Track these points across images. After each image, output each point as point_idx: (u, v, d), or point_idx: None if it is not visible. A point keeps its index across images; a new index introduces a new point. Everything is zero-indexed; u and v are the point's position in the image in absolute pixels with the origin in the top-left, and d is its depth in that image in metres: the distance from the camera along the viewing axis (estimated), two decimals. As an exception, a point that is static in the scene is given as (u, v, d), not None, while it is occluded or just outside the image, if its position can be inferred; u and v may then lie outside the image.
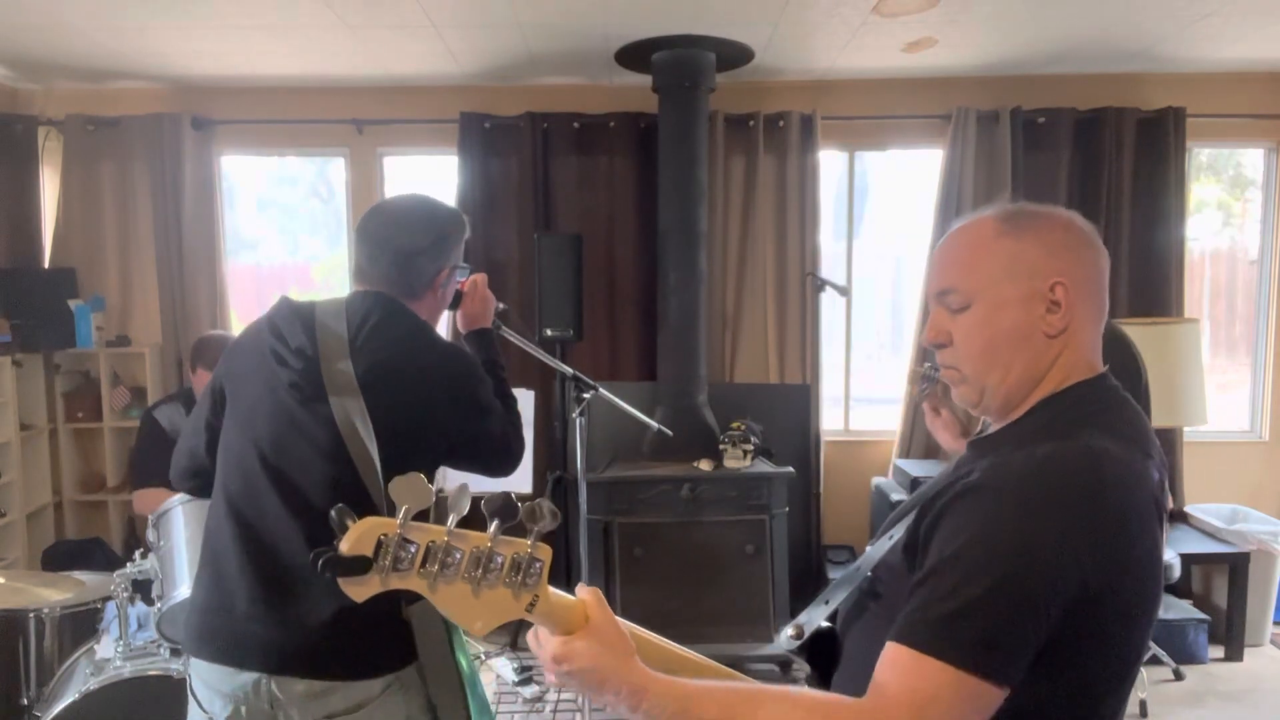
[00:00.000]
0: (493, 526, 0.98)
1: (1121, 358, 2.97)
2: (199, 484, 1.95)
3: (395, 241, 1.88)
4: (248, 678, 1.68)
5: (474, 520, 0.96)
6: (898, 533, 1.14)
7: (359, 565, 0.94)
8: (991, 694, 0.97)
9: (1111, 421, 1.10)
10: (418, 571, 0.96)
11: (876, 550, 1.18)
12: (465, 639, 1.90)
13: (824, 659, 1.21)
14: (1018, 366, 1.13)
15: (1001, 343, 1.13)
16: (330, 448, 1.71)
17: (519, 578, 0.99)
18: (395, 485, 0.95)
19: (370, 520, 0.95)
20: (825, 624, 1.22)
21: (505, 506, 0.98)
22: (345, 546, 0.94)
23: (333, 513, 0.96)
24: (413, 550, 0.96)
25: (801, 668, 1.29)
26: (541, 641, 1.04)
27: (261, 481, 1.74)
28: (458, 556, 0.97)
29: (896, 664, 0.99)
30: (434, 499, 0.97)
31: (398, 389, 1.76)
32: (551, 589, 1.03)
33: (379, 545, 0.95)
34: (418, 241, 1.88)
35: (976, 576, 0.98)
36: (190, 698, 1.79)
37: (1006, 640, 0.97)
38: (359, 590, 0.96)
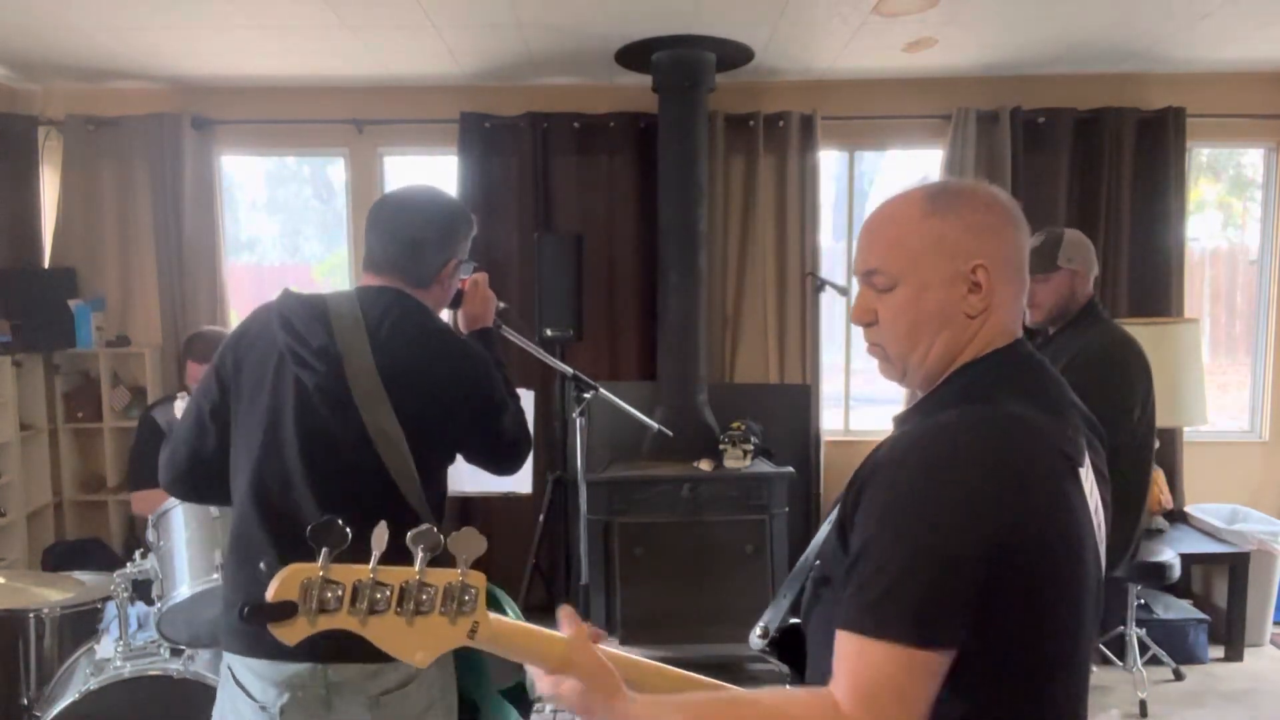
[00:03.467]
0: (418, 560, 1.01)
1: (1132, 363, 2.98)
2: (192, 486, 1.92)
3: (405, 229, 1.88)
4: (301, 666, 1.69)
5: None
6: (834, 517, 1.17)
7: (285, 610, 0.98)
8: (936, 660, 1.00)
9: (1019, 384, 1.14)
10: (347, 610, 0.99)
11: (819, 537, 1.20)
12: (506, 595, 1.95)
13: (796, 654, 1.23)
14: (939, 345, 1.17)
15: (925, 323, 1.16)
16: (362, 450, 1.72)
17: (454, 606, 1.02)
18: (313, 530, 0.98)
19: (293, 566, 0.99)
20: (796, 621, 1.24)
21: (427, 539, 1.00)
22: (270, 594, 0.98)
23: (261, 565, 1.00)
24: (339, 591, 0.99)
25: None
26: (535, 680, 1.10)
27: (299, 482, 1.74)
28: (386, 593, 1.00)
29: (844, 652, 1.03)
30: (349, 538, 1.00)
31: (420, 388, 1.77)
32: (499, 616, 1.06)
33: (303, 589, 0.98)
34: (427, 231, 1.89)
35: (896, 550, 1.01)
36: (235, 690, 1.78)
37: (939, 606, 0.99)
38: (288, 633, 0.99)
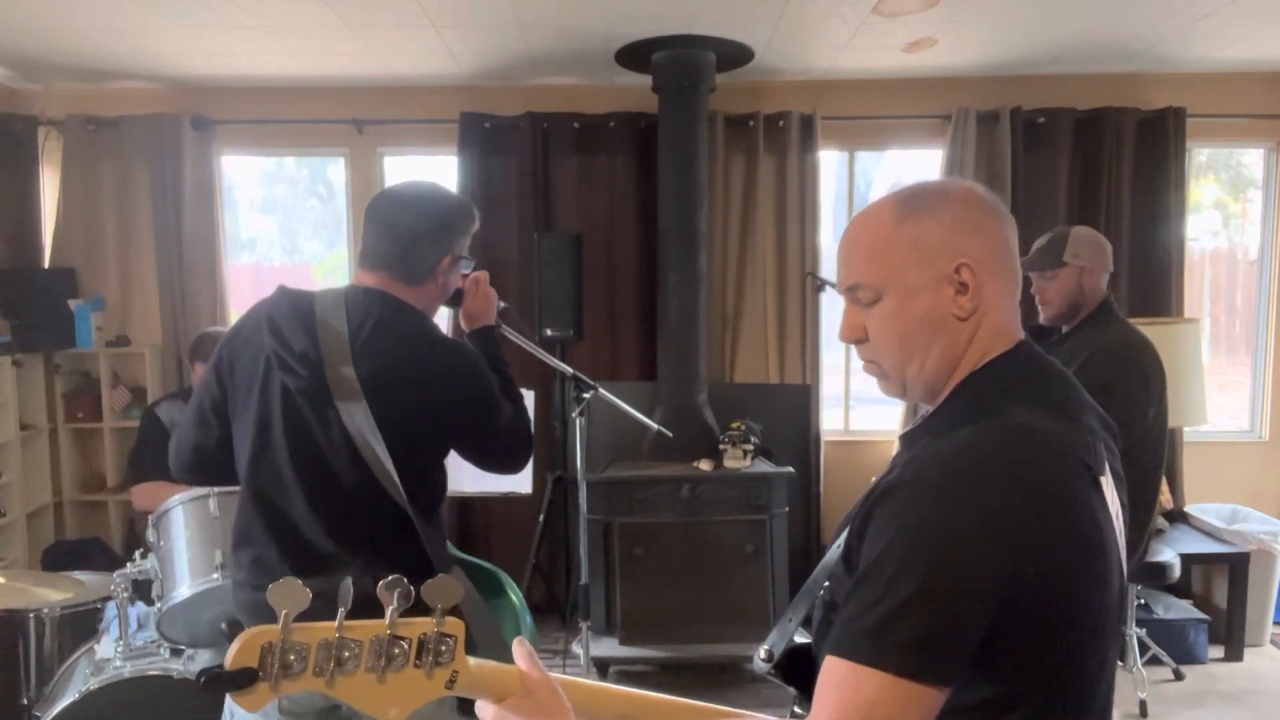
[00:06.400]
0: (389, 612, 0.95)
1: (1149, 364, 2.98)
2: (201, 477, 2.01)
3: (400, 223, 1.88)
4: None
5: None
6: (844, 540, 1.12)
7: (244, 678, 0.92)
8: (930, 696, 0.95)
9: (1031, 392, 1.09)
10: (312, 672, 0.94)
11: (829, 559, 1.15)
12: (511, 581, 1.97)
13: (805, 676, 1.18)
14: (934, 353, 1.12)
15: (915, 332, 1.11)
16: (346, 451, 1.76)
17: (430, 658, 0.97)
18: (272, 591, 0.93)
19: (251, 630, 0.93)
20: (802, 640, 1.20)
21: (400, 590, 0.95)
22: (228, 661, 0.92)
23: (223, 626, 0.96)
24: (304, 652, 0.93)
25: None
26: (478, 711, 1.05)
27: (289, 480, 1.79)
28: (355, 649, 0.95)
29: (834, 677, 0.98)
30: (310, 598, 0.94)
31: (402, 391, 1.78)
32: (480, 660, 1.02)
33: (264, 654, 0.92)
34: (422, 225, 1.89)
35: (902, 578, 0.96)
36: None
37: (939, 640, 0.95)
38: (250, 701, 0.93)
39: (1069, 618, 1.01)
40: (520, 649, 1.07)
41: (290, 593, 0.92)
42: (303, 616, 0.92)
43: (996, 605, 0.96)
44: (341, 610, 0.94)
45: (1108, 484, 1.08)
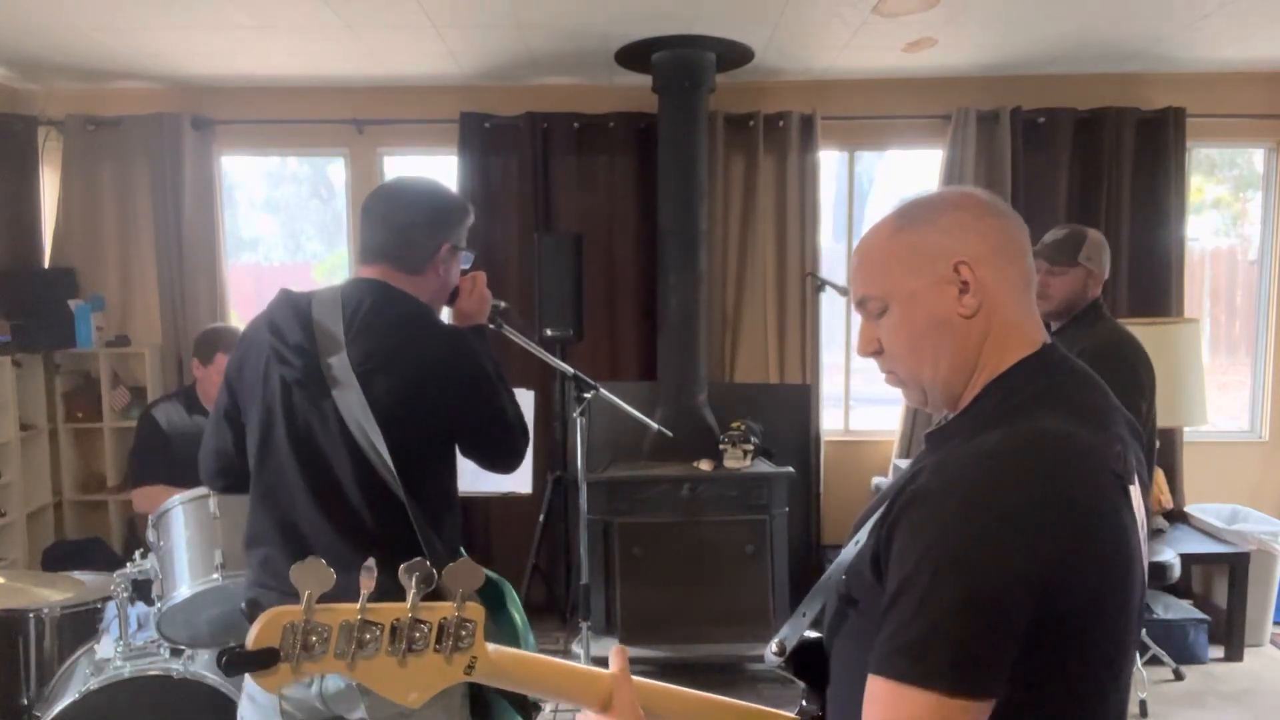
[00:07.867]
0: (411, 596, 0.95)
1: (1138, 361, 2.98)
2: (229, 482, 2.00)
3: (394, 215, 1.90)
4: None
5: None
6: (863, 537, 1.12)
7: (266, 658, 0.91)
8: (976, 708, 0.95)
9: (1059, 397, 1.08)
10: (333, 654, 0.94)
11: (846, 555, 1.15)
12: (517, 597, 1.95)
13: (815, 671, 1.19)
14: (946, 355, 1.12)
15: (923, 336, 1.12)
16: (343, 442, 1.76)
17: (450, 643, 0.97)
18: (295, 571, 0.92)
19: (273, 610, 0.93)
20: (813, 635, 1.20)
21: (421, 573, 0.95)
22: (250, 641, 0.92)
23: (242, 605, 0.96)
24: (325, 634, 0.93)
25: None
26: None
27: (293, 477, 1.80)
28: (376, 632, 0.95)
29: (878, 698, 0.98)
30: (334, 578, 0.93)
31: (395, 375, 1.77)
32: (498, 647, 1.02)
33: (286, 634, 0.92)
34: (416, 214, 1.90)
35: (936, 594, 0.96)
36: None
37: (980, 653, 0.95)
38: (270, 681, 0.93)
39: (1091, 626, 1.00)
40: (617, 656, 1.09)
41: (314, 573, 0.92)
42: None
43: (1032, 614, 0.96)
44: (364, 592, 0.94)
45: (1135, 493, 1.07)
